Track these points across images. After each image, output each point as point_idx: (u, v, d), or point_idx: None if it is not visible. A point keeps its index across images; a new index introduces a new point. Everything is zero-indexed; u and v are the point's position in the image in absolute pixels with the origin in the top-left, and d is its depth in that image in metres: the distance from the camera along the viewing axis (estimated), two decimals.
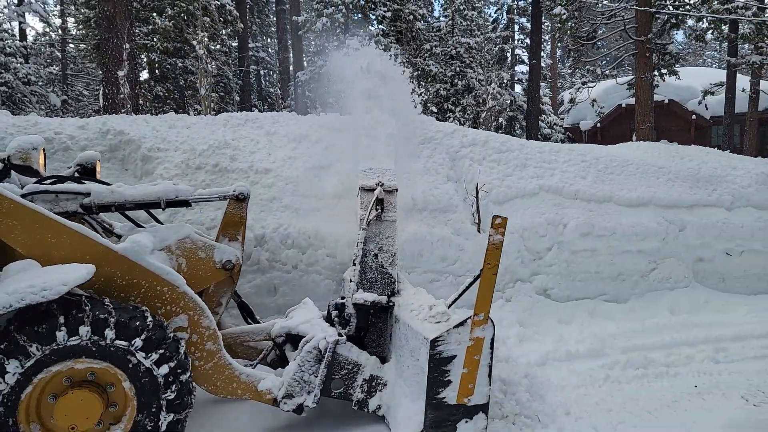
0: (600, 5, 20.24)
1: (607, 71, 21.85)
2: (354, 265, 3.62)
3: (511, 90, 27.69)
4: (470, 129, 7.13)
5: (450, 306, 3.25)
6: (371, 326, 3.61)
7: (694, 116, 24.10)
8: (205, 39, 13.95)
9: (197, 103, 16.70)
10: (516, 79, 30.70)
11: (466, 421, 3.01)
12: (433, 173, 6.32)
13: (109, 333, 2.64)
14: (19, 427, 2.55)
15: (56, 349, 2.56)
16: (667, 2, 18.46)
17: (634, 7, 18.19)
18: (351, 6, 20.34)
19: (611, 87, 21.81)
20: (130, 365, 2.70)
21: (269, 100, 30.74)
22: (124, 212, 3.67)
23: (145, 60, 18.27)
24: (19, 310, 2.47)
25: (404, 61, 21.11)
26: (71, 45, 27.63)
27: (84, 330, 2.59)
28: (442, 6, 27.73)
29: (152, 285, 2.98)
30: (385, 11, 20.99)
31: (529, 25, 28.58)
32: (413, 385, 3.15)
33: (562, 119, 28.27)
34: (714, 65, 36.22)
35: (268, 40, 33.91)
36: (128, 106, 10.57)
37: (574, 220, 6.23)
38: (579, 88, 19.11)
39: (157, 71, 18.76)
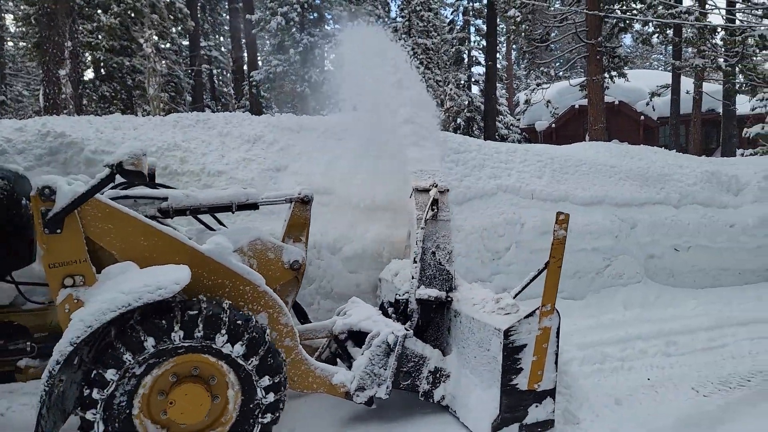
0: (552, 8, 20.75)
1: (561, 73, 22.45)
2: (415, 263, 3.75)
3: (468, 91, 28.05)
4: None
5: (514, 298, 3.42)
6: (430, 320, 3.77)
7: (642, 117, 25.08)
8: (154, 37, 13.48)
9: (146, 104, 16.12)
10: (473, 80, 31.11)
11: (536, 406, 3.22)
12: (395, 174, 6.25)
13: (219, 334, 2.77)
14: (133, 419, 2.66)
15: (170, 346, 2.67)
16: (615, 7, 19.08)
17: (585, 10, 18.73)
18: (306, 5, 20.12)
19: (565, 88, 22.41)
20: (233, 360, 2.82)
21: (222, 100, 30.08)
22: (195, 216, 3.79)
23: (89, 59, 17.51)
24: (136, 308, 2.61)
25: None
26: (10, 43, 26.21)
27: (197, 327, 2.72)
28: (398, 6, 27.81)
29: (235, 284, 3.13)
30: (341, 11, 20.87)
31: (484, 27, 29.04)
32: (483, 374, 3.31)
33: (519, 120, 28.87)
34: (660, 68, 37.76)
35: (221, 38, 33.20)
36: (71, 106, 10.07)
37: (532, 220, 6.30)
38: (534, 90, 19.53)
39: (102, 70, 18.01)
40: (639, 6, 19.29)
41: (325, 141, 6.59)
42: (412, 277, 3.75)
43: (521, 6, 19.80)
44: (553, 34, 21.79)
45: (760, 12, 17.30)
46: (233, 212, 3.84)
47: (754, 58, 17.64)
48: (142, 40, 14.08)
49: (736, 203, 7.74)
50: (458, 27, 34.68)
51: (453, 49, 31.80)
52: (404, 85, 5.21)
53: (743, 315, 5.91)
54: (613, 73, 20.02)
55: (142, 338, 2.65)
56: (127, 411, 2.66)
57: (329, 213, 5.80)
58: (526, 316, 3.16)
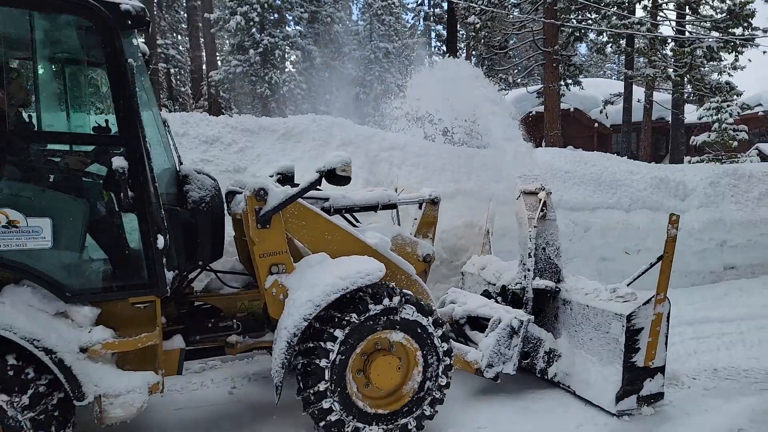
0: (510, 16, 21.21)
1: (519, 80, 22.88)
2: (529, 257, 4.23)
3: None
4: (389, 133, 7.14)
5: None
6: (542, 308, 4.33)
7: (596, 124, 25.87)
8: None
9: (99, 102, 15.59)
10: None
11: (650, 380, 3.75)
12: (353, 177, 6.21)
13: (410, 309, 3.23)
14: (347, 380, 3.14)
15: (372, 321, 3.14)
16: (572, 16, 19.65)
17: (542, 19, 19.23)
18: (266, 5, 19.87)
19: (522, 95, 22.92)
20: (424, 337, 3.29)
21: (180, 99, 29.34)
22: (344, 214, 4.16)
23: None
24: (348, 291, 3.09)
25: (322, 63, 20.93)
26: None
27: (403, 309, 3.21)
28: (360, 10, 27.85)
29: (394, 273, 3.63)
30: (302, 12, 20.72)
31: (445, 33, 29.40)
32: (601, 353, 3.84)
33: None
34: (613, 77, 39.14)
35: (179, 37, 32.40)
36: None
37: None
38: None
39: None
40: (594, 16, 19.95)
41: (285, 143, 6.51)
42: (528, 270, 4.23)
43: (481, 13, 20.15)
44: (511, 42, 22.27)
45: (708, 24, 18.18)
46: (376, 212, 4.34)
47: (702, 69, 18.52)
48: None
49: (683, 208, 8.06)
50: (419, 32, 35.04)
51: (414, 54, 32.07)
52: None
53: (689, 315, 6.16)
54: (569, 81, 20.61)
55: (369, 305, 3.14)
56: (345, 366, 3.12)
57: None
58: (644, 303, 3.70)
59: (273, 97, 19.15)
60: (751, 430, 3.59)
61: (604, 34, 19.33)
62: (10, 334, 2.41)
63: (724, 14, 17.31)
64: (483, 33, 20.80)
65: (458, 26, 26.43)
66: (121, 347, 2.80)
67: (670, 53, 18.72)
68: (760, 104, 24.38)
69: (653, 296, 3.67)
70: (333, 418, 3.08)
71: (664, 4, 19.31)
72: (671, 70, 17.84)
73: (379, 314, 3.15)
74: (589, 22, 19.96)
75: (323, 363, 3.04)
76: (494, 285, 4.62)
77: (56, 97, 3.27)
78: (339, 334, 3.06)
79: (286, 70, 19.37)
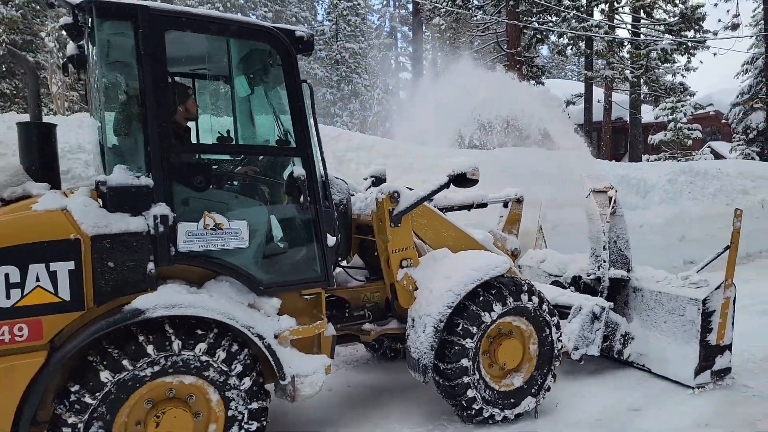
0: (475, 18, 21.43)
1: None
2: (604, 249, 4.58)
3: (397, 96, 28.42)
4: (357, 134, 7.05)
5: (697, 273, 4.35)
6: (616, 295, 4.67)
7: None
8: (58, 31, 12.45)
9: (51, 102, 14.89)
10: (400, 86, 31.54)
11: (720, 357, 4.12)
12: None
13: (525, 297, 3.59)
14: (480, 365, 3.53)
15: (513, 308, 3.53)
16: (533, 18, 19.99)
17: (505, 20, 19.50)
18: (229, 4, 19.50)
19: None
20: (537, 318, 3.67)
21: None
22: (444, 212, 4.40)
23: None
24: (486, 281, 3.46)
25: None
26: None
27: (524, 296, 3.58)
28: (325, 10, 27.63)
29: None
30: (266, 11, 20.42)
31: (411, 34, 29.51)
32: (676, 335, 4.21)
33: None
34: (574, 78, 40.04)
35: None
36: None
37: (463, 219, 6.36)
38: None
39: (3, 66, 16.49)
40: (555, 19, 20.35)
41: None
42: (604, 261, 4.57)
43: (446, 14, 20.30)
44: (476, 43, 22.51)
45: (662, 28, 18.76)
46: (469, 210, 4.77)
47: (657, 71, 19.11)
48: (44, 34, 12.91)
49: (644, 204, 8.25)
50: (385, 33, 35.06)
51: (380, 55, 32.07)
52: None
53: None
54: (532, 82, 20.97)
55: (489, 302, 3.49)
56: (477, 348, 3.48)
57: None
58: (716, 289, 4.04)
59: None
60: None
61: (565, 36, 19.72)
62: (232, 322, 2.74)
63: (677, 18, 17.89)
64: (448, 34, 20.98)
65: (424, 27, 26.58)
66: (303, 334, 3.14)
67: (626, 55, 19.26)
68: (711, 104, 25.32)
69: (723, 282, 4.04)
70: (470, 393, 3.46)
71: (620, 8, 19.85)
72: (628, 72, 18.33)
73: (512, 304, 3.56)
74: (550, 24, 20.34)
75: (468, 343, 3.41)
76: (559, 276, 4.98)
77: (246, 113, 3.57)
78: (487, 318, 3.46)
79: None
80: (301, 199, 3.09)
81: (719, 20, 18.76)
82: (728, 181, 9.57)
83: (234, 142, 3.48)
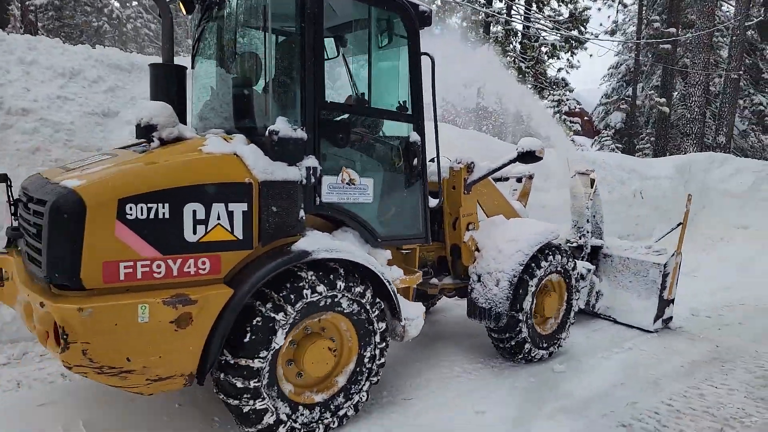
0: None
1: None
2: (587, 222, 5.32)
3: None
4: None
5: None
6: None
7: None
8: None
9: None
10: None
11: (668, 307, 5.24)
12: None
13: (565, 259, 4.37)
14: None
15: (556, 267, 4.28)
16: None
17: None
18: None
19: None
20: (570, 276, 4.48)
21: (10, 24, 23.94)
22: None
23: None
24: (545, 244, 4.13)
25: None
26: None
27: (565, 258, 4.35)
28: None
29: None
30: None
31: None
32: (640, 291, 5.21)
33: None
34: None
35: None
36: None
37: None
38: None
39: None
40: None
41: None
42: (587, 232, 5.31)
43: None
44: None
45: (550, 24, 20.02)
46: (501, 180, 5.22)
47: (544, 65, 20.43)
48: None
49: (546, 188, 8.79)
50: None
51: None
52: None
53: None
54: None
55: (554, 257, 4.23)
56: (534, 289, 4.09)
57: None
58: (672, 255, 5.09)
59: (112, 33, 16.59)
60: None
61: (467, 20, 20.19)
62: (373, 268, 3.08)
63: (566, 16, 19.22)
64: None
65: None
66: (408, 283, 3.59)
67: (519, 46, 20.31)
68: (576, 101, 27.86)
69: (675, 251, 5.12)
70: (524, 333, 4.05)
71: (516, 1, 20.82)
72: (523, 64, 19.36)
73: (558, 264, 4.28)
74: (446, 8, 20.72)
75: (531, 288, 4.05)
76: None
77: (376, 79, 3.50)
78: (541, 273, 4.10)
79: (133, 3, 16.82)
80: (415, 162, 3.47)
81: (600, 24, 20.41)
82: (610, 172, 10.55)
83: (368, 105, 3.51)
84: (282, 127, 2.79)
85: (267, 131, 2.78)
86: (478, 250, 4.15)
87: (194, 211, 2.45)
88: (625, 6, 21.00)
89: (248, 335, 2.60)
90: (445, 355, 4.29)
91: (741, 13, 16.47)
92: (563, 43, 19.24)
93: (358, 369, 3.10)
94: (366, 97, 3.46)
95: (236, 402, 2.63)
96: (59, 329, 2.17)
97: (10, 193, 2.90)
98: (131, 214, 2.30)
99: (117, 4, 16.86)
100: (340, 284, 2.88)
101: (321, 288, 2.79)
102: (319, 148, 2.97)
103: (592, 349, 4.63)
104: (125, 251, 2.31)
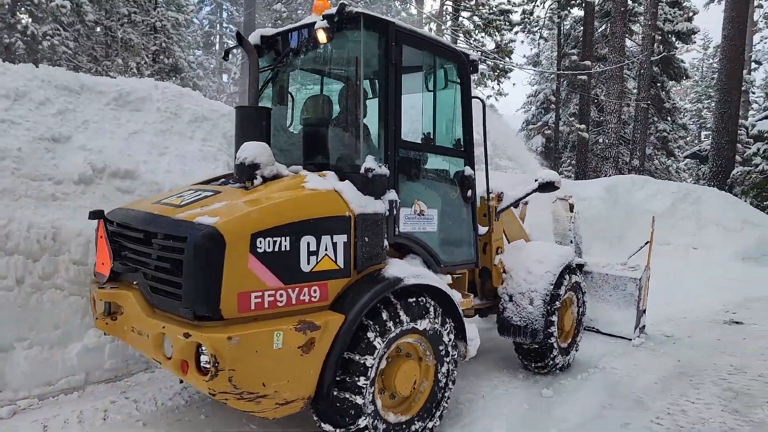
0: None
1: None
2: (571, 243, 5.75)
3: (220, 78, 26.42)
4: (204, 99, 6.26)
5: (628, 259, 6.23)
6: None
7: None
8: None
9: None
10: (224, 68, 29.46)
11: (643, 316, 5.81)
12: (212, 160, 5.27)
13: (580, 277, 4.99)
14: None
15: (572, 285, 4.81)
16: None
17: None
18: None
19: None
20: (581, 291, 5.05)
21: None
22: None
23: None
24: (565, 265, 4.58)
25: (95, 21, 17.79)
26: None
27: (579, 276, 5.01)
28: None
29: None
30: None
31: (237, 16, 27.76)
32: (619, 303, 5.74)
33: None
34: None
35: None
36: None
37: None
38: None
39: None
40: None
41: (119, 110, 5.15)
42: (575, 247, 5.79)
43: (287, 1, 19.63)
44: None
45: (479, 54, 20.97)
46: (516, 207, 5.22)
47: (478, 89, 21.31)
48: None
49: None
50: (208, 8, 32.48)
51: (202, 31, 29.68)
52: None
53: None
54: None
55: (572, 275, 4.72)
56: (559, 306, 4.49)
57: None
58: (644, 270, 5.70)
59: (25, 50, 15.31)
60: None
61: None
62: (448, 292, 3.35)
63: (494, 48, 20.23)
64: (288, 23, 20.27)
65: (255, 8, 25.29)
66: (465, 305, 3.97)
67: None
68: None
69: (647, 266, 5.77)
70: (555, 346, 4.45)
71: (446, 29, 21.65)
72: None
73: (573, 281, 4.75)
74: None
75: (557, 305, 4.45)
76: None
77: (438, 119, 3.78)
78: (562, 291, 4.53)
79: (48, 20, 15.62)
80: (469, 193, 3.84)
81: (524, 56, 21.67)
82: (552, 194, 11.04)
83: (434, 144, 3.77)
84: (373, 164, 3.09)
85: (363, 169, 3.07)
86: (505, 272, 4.48)
87: (308, 243, 2.69)
88: (546, 40, 22.43)
89: (355, 356, 2.79)
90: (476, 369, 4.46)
91: (647, 48, 18.14)
92: (491, 71, 20.18)
93: (435, 388, 3.30)
94: (432, 136, 3.73)
95: (342, 422, 2.80)
96: (211, 358, 2.33)
97: (106, 228, 3.01)
98: (260, 248, 2.51)
99: (30, 20, 15.63)
100: (429, 307, 3.17)
101: (412, 311, 3.06)
102: (398, 183, 3.28)
103: (569, 370, 4.75)
104: (255, 282, 2.50)
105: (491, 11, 20.97)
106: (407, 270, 3.13)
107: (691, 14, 19.83)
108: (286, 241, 2.59)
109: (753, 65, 31.27)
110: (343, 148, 3.35)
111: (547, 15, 21.25)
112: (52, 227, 3.88)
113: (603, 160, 18.32)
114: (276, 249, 2.56)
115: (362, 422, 2.80)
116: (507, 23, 20.23)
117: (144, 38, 19.53)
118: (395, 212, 3.20)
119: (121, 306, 2.89)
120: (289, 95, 3.85)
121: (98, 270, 3.06)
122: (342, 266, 2.84)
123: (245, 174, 2.95)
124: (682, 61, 21.16)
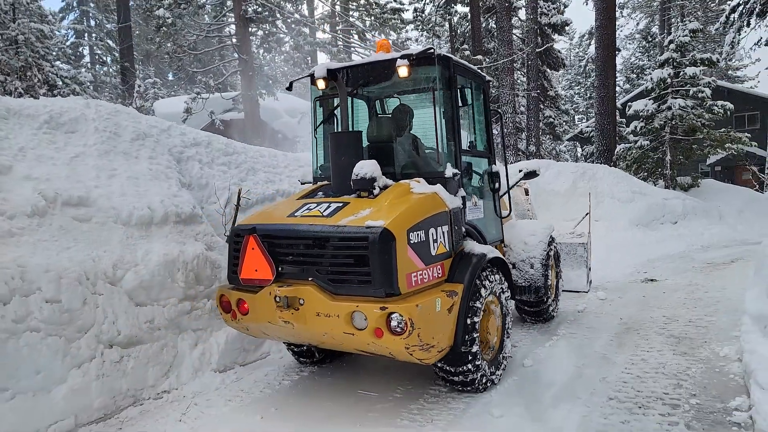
0: (198, 16, 20.29)
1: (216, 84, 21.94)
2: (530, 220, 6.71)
3: (95, 92, 24.32)
4: (188, 127, 6.02)
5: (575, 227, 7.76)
6: None
7: (279, 135, 27.26)
8: None
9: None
10: (99, 81, 27.24)
11: (589, 272, 6.83)
12: (164, 178, 5.02)
13: (556, 245, 6.05)
14: None
15: (554, 250, 6.00)
16: (263, 25, 20.11)
17: (233, 24, 19.14)
18: None
19: (216, 100, 22.14)
20: (558, 258, 6.24)
21: None
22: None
23: None
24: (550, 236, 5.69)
25: None
26: None
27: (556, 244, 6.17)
28: None
29: None
30: None
31: (110, 25, 25.83)
32: (572, 264, 6.82)
33: None
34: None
35: None
36: None
37: None
38: (195, 98, 18.64)
39: None
40: (283, 27, 21.00)
41: (52, 133, 4.75)
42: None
43: (171, 6, 18.65)
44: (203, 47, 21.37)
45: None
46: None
47: None
48: None
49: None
50: (73, 17, 29.94)
51: (69, 42, 27.28)
52: None
53: None
54: (263, 91, 21.12)
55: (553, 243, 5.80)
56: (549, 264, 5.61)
57: (93, 231, 4.25)
58: (587, 235, 6.90)
59: None
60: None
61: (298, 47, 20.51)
62: (506, 261, 4.52)
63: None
64: (173, 30, 19.23)
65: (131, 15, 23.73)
66: None
67: None
68: None
69: (588, 232, 7.00)
70: (551, 299, 5.73)
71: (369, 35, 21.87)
72: None
73: (554, 247, 5.82)
74: (281, 33, 20.91)
75: (548, 271, 5.50)
76: None
77: (477, 128, 4.92)
78: (551, 255, 5.65)
79: None
80: (497, 185, 4.84)
81: None
82: None
83: (476, 148, 4.84)
84: (454, 170, 4.04)
85: (452, 174, 4.01)
86: (505, 245, 5.29)
87: (432, 233, 3.60)
88: (439, 37, 23.43)
89: (475, 303, 3.76)
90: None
91: (531, 41, 19.65)
92: None
93: (503, 337, 4.28)
94: (474, 142, 4.77)
95: (463, 368, 3.71)
96: (407, 321, 3.13)
97: (257, 241, 3.62)
98: (412, 240, 3.40)
99: None
100: (497, 275, 4.17)
101: (493, 278, 4.08)
102: (462, 183, 4.23)
103: (535, 342, 5.18)
104: (412, 265, 3.38)
105: (384, 10, 21.54)
106: (482, 248, 4.02)
107: (563, 7, 21.78)
108: (422, 233, 3.49)
109: None
110: (428, 158, 4.36)
111: (437, 12, 22.20)
112: (17, 266, 3.54)
113: (504, 148, 19.59)
114: (419, 239, 3.45)
115: (473, 365, 3.75)
116: (401, 21, 20.86)
117: (5, 54, 17.54)
118: (464, 205, 4.13)
119: (300, 298, 3.42)
120: (374, 114, 5.04)
121: (247, 276, 3.60)
122: (448, 249, 3.77)
123: (367, 186, 3.70)
124: (559, 51, 23.18)
